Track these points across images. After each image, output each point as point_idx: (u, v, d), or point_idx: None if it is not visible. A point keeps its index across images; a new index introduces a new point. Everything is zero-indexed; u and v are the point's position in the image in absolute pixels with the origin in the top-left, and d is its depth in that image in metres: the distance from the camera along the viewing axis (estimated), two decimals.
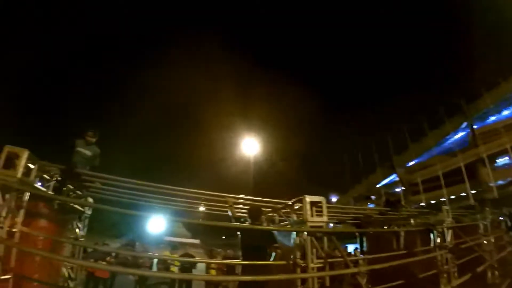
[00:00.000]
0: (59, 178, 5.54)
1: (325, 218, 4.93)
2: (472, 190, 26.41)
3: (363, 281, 5.06)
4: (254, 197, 6.13)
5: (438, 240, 7.35)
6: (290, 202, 5.46)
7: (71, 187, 6.33)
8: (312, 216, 4.85)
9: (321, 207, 4.96)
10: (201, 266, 12.24)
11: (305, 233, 4.73)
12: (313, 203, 4.92)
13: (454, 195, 27.57)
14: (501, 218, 11.68)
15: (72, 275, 6.94)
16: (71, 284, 6.86)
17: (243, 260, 4.96)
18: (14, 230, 4.35)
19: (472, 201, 22.12)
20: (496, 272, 9.08)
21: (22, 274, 4.74)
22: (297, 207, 5.35)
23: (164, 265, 7.04)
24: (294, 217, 5.35)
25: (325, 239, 4.89)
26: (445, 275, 6.99)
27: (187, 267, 8.85)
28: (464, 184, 26.38)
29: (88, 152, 5.78)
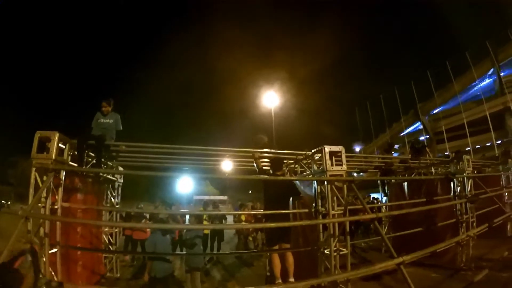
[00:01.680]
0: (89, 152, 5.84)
1: (344, 167, 5.07)
2: (498, 140, 25.49)
3: (383, 227, 5.22)
4: (277, 150, 6.27)
5: (458, 189, 7.38)
6: (310, 153, 5.62)
7: (103, 159, 6.75)
8: (332, 165, 5.00)
9: (340, 156, 5.09)
10: (231, 220, 12.92)
11: (325, 181, 4.91)
12: (332, 153, 5.07)
13: (479, 145, 26.74)
14: None
15: (112, 240, 7.61)
16: (112, 248, 7.51)
17: (266, 210, 5.20)
18: (55, 207, 4.73)
19: (496, 152, 21.42)
20: None
21: (67, 245, 5.22)
22: (317, 157, 5.51)
23: (198, 219, 7.51)
24: (315, 167, 5.54)
25: (345, 187, 5.04)
26: (464, 224, 7.12)
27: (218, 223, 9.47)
28: (489, 134, 25.47)
29: (109, 121, 5.87)
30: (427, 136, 30.48)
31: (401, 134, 34.33)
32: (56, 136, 4.62)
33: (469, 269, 6.65)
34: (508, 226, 9.40)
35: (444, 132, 29.01)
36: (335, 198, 4.99)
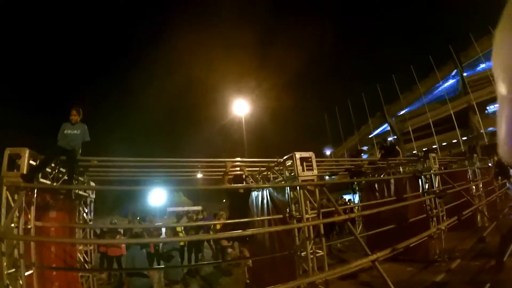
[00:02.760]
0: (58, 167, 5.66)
1: (315, 172, 5.28)
2: (463, 137, 26.99)
3: (357, 227, 5.46)
4: (248, 158, 6.40)
5: (427, 186, 7.78)
6: (281, 160, 5.77)
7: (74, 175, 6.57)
8: (303, 171, 5.18)
9: (310, 162, 5.28)
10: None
11: (298, 187, 5.08)
12: (303, 159, 5.25)
13: (445, 142, 28.18)
14: (489, 164, 12.11)
15: (87, 258, 7.38)
16: (87, 266, 7.30)
17: (230, 218, 5.34)
18: (29, 226, 4.62)
19: (463, 148, 22.66)
20: (485, 217, 9.65)
21: (42, 266, 5.07)
22: (288, 163, 5.68)
23: (173, 231, 7.43)
24: (287, 173, 5.70)
25: (317, 191, 5.23)
26: (434, 219, 7.50)
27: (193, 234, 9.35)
28: (455, 131, 26.94)
29: (76, 131, 5.39)
30: (395, 137, 31.70)
31: (369, 136, 35.52)
32: (27, 152, 4.54)
33: (442, 261, 7.04)
34: (478, 218, 9.97)
35: (411, 132, 30.38)
36: (308, 202, 5.16)
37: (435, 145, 27.06)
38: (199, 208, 30.95)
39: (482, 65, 27.90)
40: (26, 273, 4.36)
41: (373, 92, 32.99)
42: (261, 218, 5.23)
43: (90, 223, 7.71)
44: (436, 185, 7.89)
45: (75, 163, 5.48)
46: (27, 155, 4.52)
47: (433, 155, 8.45)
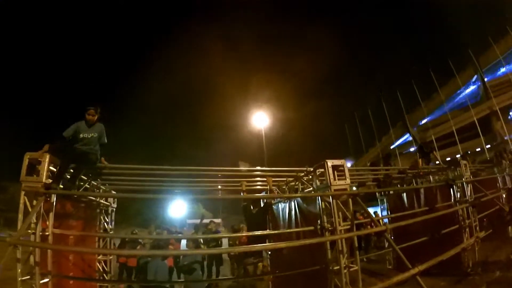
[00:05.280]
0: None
1: (347, 181, 4.94)
2: (487, 144, 25.94)
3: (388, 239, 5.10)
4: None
5: (458, 195, 7.36)
6: (311, 169, 5.48)
7: (95, 183, 6.51)
8: (335, 179, 4.87)
9: (342, 170, 4.97)
10: (226, 244, 12.49)
11: (330, 196, 4.77)
12: (334, 167, 4.93)
13: (469, 151, 27.11)
14: None
15: (106, 268, 7.22)
16: (106, 276, 7.12)
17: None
18: (46, 233, 4.48)
19: (487, 155, 21.76)
20: None
21: (59, 275, 4.94)
22: (318, 172, 5.38)
23: (195, 244, 7.22)
24: (317, 182, 5.39)
25: (350, 201, 4.90)
26: (467, 229, 7.06)
27: (214, 245, 9.09)
28: (478, 139, 25.94)
29: (93, 134, 4.81)
30: (417, 147, 30.79)
31: (391, 147, 34.67)
32: (47, 158, 4.41)
33: (476, 274, 6.60)
34: (510, 227, 9.40)
35: (434, 141, 29.46)
36: (340, 213, 4.84)
37: (459, 154, 26.06)
38: (218, 220, 30.84)
39: (503, 69, 26.99)
40: (41, 281, 4.21)
41: (392, 101, 32.20)
42: (290, 230, 4.93)
43: (111, 232, 7.61)
44: (469, 194, 7.45)
45: (94, 169, 5.23)
46: (47, 160, 4.39)
47: (464, 162, 8.03)
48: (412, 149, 29.30)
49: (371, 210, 14.15)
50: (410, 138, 33.15)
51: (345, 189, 4.88)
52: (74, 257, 5.85)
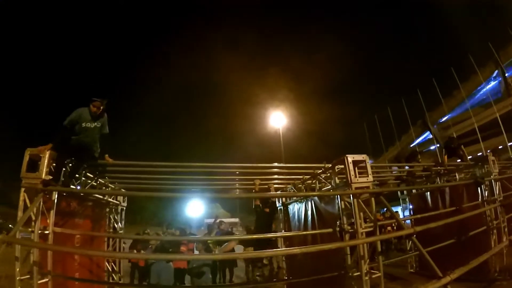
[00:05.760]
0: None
1: (370, 178, 4.49)
2: (510, 142, 24.84)
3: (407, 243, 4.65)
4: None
5: (486, 194, 6.83)
6: (329, 165, 5.06)
7: (102, 181, 6.29)
8: (355, 176, 4.45)
9: (364, 166, 4.54)
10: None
11: (351, 195, 4.36)
12: (355, 163, 4.50)
13: (489, 149, 26.01)
14: None
15: (116, 268, 6.98)
16: (115, 277, 6.90)
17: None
18: (46, 232, 4.26)
19: (510, 153, 20.83)
20: None
21: (63, 275, 4.74)
22: (337, 169, 4.96)
23: (205, 245, 6.91)
24: (337, 180, 4.96)
25: (373, 200, 4.47)
26: (494, 231, 6.52)
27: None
28: (501, 137, 24.86)
29: (96, 124, 4.47)
30: (438, 145, 29.81)
31: (411, 146, 33.72)
32: (47, 154, 4.18)
33: (504, 279, 6.12)
34: None
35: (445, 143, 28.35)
36: (361, 214, 4.43)
37: (480, 152, 25.02)
38: (236, 220, 30.62)
39: None
40: (40, 281, 4.03)
41: (412, 98, 31.21)
42: (306, 232, 4.54)
43: (121, 232, 7.40)
44: (497, 192, 6.89)
45: (94, 163, 4.85)
46: (47, 156, 4.18)
47: (493, 158, 7.43)
48: (432, 147, 28.30)
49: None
50: (431, 136, 32.19)
51: (367, 187, 4.45)
52: (80, 257, 5.61)
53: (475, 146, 26.14)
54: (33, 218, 4.01)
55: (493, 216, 6.64)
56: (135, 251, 8.38)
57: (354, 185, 4.36)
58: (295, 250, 3.54)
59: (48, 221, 4.31)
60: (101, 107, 4.47)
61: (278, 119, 20.76)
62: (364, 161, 4.54)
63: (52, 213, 4.37)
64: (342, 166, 4.62)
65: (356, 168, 4.51)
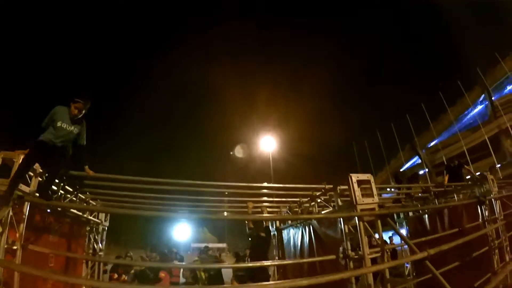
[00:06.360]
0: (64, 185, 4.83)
1: (376, 198, 4.13)
2: (498, 163, 25.26)
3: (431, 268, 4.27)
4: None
5: (486, 213, 6.57)
6: (330, 186, 4.69)
7: (83, 196, 5.79)
8: (361, 197, 4.10)
9: (369, 186, 4.20)
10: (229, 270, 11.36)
11: (356, 218, 3.99)
12: (359, 183, 4.17)
13: (479, 171, 26.23)
14: None
15: None
16: None
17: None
18: (14, 247, 3.74)
19: (500, 174, 21.09)
20: None
21: None
22: (339, 190, 4.61)
23: (192, 273, 6.39)
24: (339, 201, 4.59)
25: (379, 223, 4.11)
26: (496, 251, 6.23)
27: (214, 273, 8.11)
28: (490, 158, 25.27)
29: (73, 129, 3.83)
30: (427, 170, 30.07)
31: (400, 170, 33.99)
32: (20, 158, 3.74)
33: None
34: None
35: (445, 163, 28.61)
36: (367, 238, 4.06)
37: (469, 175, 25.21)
38: (223, 245, 29.67)
39: (510, 87, 26.56)
40: None
41: (401, 122, 31.63)
42: (306, 260, 4.10)
43: (101, 253, 6.84)
44: (498, 211, 6.65)
45: (65, 169, 4.22)
46: (19, 161, 3.73)
47: (491, 176, 7.30)
48: (421, 172, 28.50)
49: (384, 235, 13.21)
50: (419, 161, 32.56)
51: (373, 209, 4.10)
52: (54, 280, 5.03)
53: (464, 169, 26.42)
54: (0, 229, 3.51)
55: (494, 236, 6.38)
56: (116, 274, 7.89)
57: (359, 207, 3.98)
58: (303, 282, 3.04)
59: (17, 235, 3.80)
60: (83, 111, 3.91)
61: (268, 143, 21.06)
62: (369, 180, 4.19)
63: (23, 226, 3.88)
64: (344, 187, 4.28)
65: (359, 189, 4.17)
